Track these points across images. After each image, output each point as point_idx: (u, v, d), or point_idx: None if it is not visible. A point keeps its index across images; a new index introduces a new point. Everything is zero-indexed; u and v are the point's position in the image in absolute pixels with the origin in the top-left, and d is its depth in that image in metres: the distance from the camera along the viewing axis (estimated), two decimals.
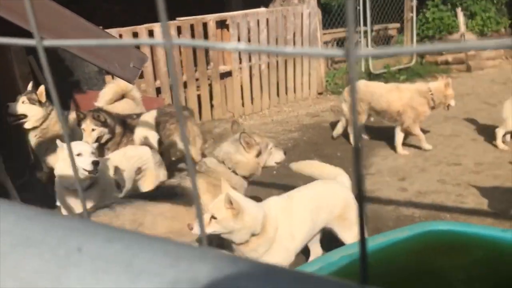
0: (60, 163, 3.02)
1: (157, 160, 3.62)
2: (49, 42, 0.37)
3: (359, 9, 8.01)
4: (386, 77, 8.67)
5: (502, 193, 4.04)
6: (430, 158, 5.05)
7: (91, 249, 0.39)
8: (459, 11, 9.53)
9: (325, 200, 2.95)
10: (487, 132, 5.63)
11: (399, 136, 5.26)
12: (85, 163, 2.95)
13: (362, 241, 0.34)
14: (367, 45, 8.56)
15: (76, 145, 3.02)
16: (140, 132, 3.71)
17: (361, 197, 0.35)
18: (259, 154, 3.09)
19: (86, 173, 2.98)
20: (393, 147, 5.36)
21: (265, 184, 4.66)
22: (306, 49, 0.28)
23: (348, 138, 5.68)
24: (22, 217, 0.45)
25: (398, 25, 9.51)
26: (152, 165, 3.54)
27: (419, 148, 5.31)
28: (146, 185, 3.55)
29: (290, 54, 0.28)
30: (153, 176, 3.55)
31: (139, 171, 3.47)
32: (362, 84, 5.41)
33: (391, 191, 4.32)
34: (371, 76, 8.52)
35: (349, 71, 0.29)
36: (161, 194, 2.78)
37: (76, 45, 0.35)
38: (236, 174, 3.04)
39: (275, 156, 3.22)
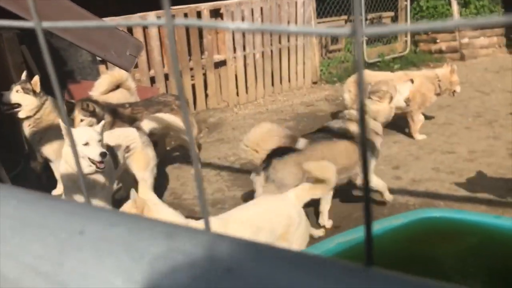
0: (67, 154, 2.88)
1: (144, 140, 3.63)
2: (48, 24, 0.36)
3: None
4: (380, 66, 8.67)
5: (495, 180, 4.08)
6: (424, 146, 5.07)
7: (93, 232, 0.40)
8: None
9: (266, 220, 2.65)
10: (481, 121, 5.66)
11: (416, 122, 5.29)
12: (93, 153, 2.78)
13: (368, 223, 0.34)
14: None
15: (82, 132, 2.86)
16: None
17: (366, 182, 0.36)
18: (391, 100, 3.61)
19: (94, 166, 2.80)
20: (387, 136, 5.38)
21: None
22: (310, 28, 0.28)
23: None
24: (23, 201, 0.45)
25: (392, 13, 9.49)
26: (139, 144, 3.56)
27: (412, 136, 5.33)
28: (136, 164, 3.59)
29: (294, 33, 0.28)
30: (141, 154, 3.58)
31: (127, 149, 3.49)
32: (369, 75, 5.34)
33: (386, 179, 4.34)
34: (365, 65, 8.51)
35: (355, 49, 0.30)
36: (338, 135, 3.42)
37: (74, 27, 0.35)
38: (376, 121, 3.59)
39: (402, 92, 3.82)
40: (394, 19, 9.52)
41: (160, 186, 4.48)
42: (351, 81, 5.50)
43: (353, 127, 3.46)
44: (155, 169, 3.79)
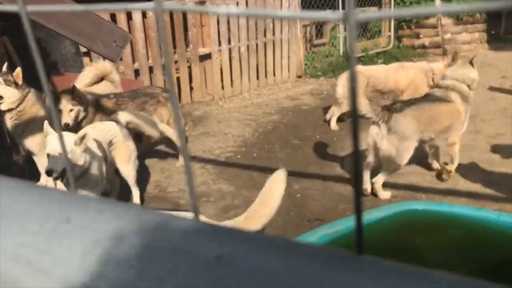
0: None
1: (125, 133, 3.61)
2: (33, 8, 0.36)
3: None
4: (364, 60, 8.73)
5: (476, 173, 4.14)
6: None
7: (80, 220, 0.39)
8: None
9: None
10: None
11: None
12: (44, 167, 2.77)
13: (358, 211, 0.34)
14: (345, 29, 8.57)
15: (54, 141, 2.76)
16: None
17: (356, 175, 0.36)
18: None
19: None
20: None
21: (246, 167, 4.69)
22: (301, 13, 0.28)
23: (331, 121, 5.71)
24: (8, 189, 0.44)
25: (376, 8, 9.54)
26: (121, 137, 3.54)
27: None
28: (118, 157, 3.57)
29: (284, 17, 0.28)
30: (124, 147, 3.57)
31: (110, 144, 3.47)
32: (363, 69, 5.38)
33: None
34: (349, 59, 8.55)
35: (348, 35, 0.30)
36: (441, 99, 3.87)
37: (60, 10, 0.34)
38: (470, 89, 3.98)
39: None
40: None
41: (144, 179, 4.46)
42: (343, 77, 5.47)
43: (454, 95, 3.91)
44: (136, 161, 3.78)
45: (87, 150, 2.92)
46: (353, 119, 0.33)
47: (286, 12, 0.29)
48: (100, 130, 3.41)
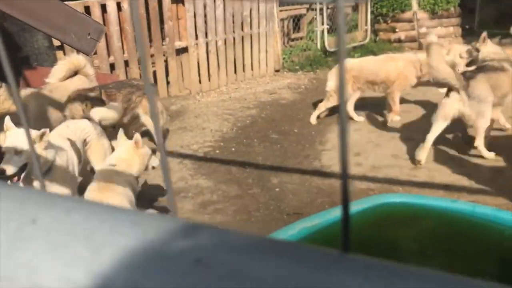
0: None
1: (98, 131, 3.54)
2: None
3: None
4: None
5: (451, 165, 4.21)
6: (383, 134, 5.18)
7: (47, 221, 0.36)
8: None
9: None
10: (435, 110, 5.81)
11: (397, 104, 5.45)
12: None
13: (345, 208, 0.34)
14: (322, 23, 8.60)
15: (12, 139, 2.69)
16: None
17: (344, 170, 0.35)
18: None
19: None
20: (348, 123, 5.46)
21: (224, 161, 4.67)
22: None
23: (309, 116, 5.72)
24: None
25: (353, 3, 9.60)
26: (95, 136, 3.47)
27: (373, 124, 5.45)
28: (94, 156, 3.50)
29: None
30: (98, 146, 3.49)
31: (84, 142, 3.40)
32: (355, 62, 5.47)
33: None
34: (326, 53, 8.59)
35: (338, 16, 0.29)
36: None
37: None
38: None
39: None
40: (355, 8, 9.64)
41: None
42: (334, 72, 5.46)
43: (506, 65, 4.34)
44: None
45: (49, 147, 2.84)
46: (341, 107, 0.31)
47: None
48: (74, 129, 3.33)
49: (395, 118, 5.43)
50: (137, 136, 3.08)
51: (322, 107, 5.53)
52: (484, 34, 5.19)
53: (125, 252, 0.33)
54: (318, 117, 5.61)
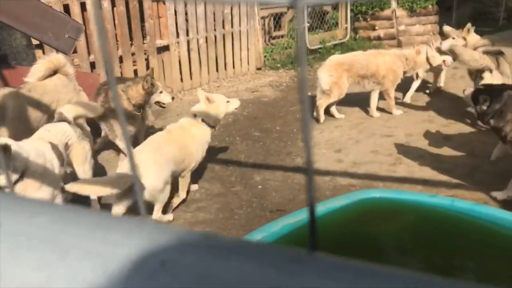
0: None
1: (78, 133, 3.49)
2: None
3: None
4: (322, 52, 8.83)
5: (430, 161, 4.29)
6: (363, 130, 5.25)
7: (12, 225, 0.36)
8: None
9: None
10: (416, 105, 5.92)
11: (375, 100, 5.63)
12: None
13: (311, 208, 0.33)
14: (303, 21, 8.64)
15: None
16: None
17: (310, 165, 0.36)
18: None
19: None
20: (329, 121, 5.52)
21: (207, 159, 4.67)
22: None
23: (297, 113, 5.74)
24: None
25: (333, 1, 9.66)
26: (75, 138, 3.42)
27: (354, 121, 5.51)
28: (76, 159, 3.46)
29: (234, 2, 0.28)
30: (80, 149, 3.45)
31: (66, 146, 3.35)
32: (346, 56, 5.60)
33: (328, 162, 4.47)
34: (308, 51, 8.63)
35: (297, 19, 0.30)
36: None
37: None
38: None
39: None
40: (335, 7, 9.70)
41: (101, 175, 4.36)
42: (330, 64, 5.45)
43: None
44: (92, 160, 3.68)
45: (20, 153, 2.76)
46: (303, 106, 0.33)
47: None
48: (55, 133, 3.25)
49: (397, 112, 5.63)
50: (200, 92, 4.03)
51: (324, 104, 5.49)
52: (469, 25, 5.56)
53: (91, 255, 0.32)
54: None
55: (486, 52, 5.04)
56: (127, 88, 4.21)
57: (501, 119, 3.45)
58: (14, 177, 2.66)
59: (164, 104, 4.43)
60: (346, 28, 9.62)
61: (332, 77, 5.35)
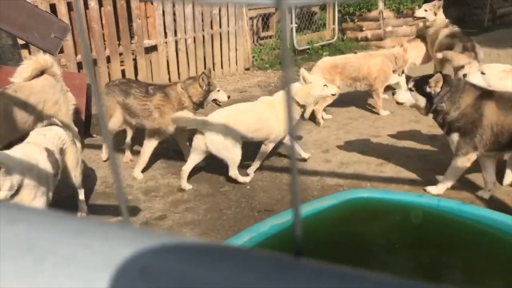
0: None
1: (71, 136, 3.45)
2: None
3: None
4: (310, 53, 8.86)
5: (416, 161, 4.33)
6: (351, 130, 5.28)
7: None
8: None
9: None
10: (403, 106, 5.95)
11: (378, 99, 5.71)
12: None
13: (296, 214, 0.33)
14: (291, 22, 8.66)
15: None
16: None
17: (293, 172, 0.35)
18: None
19: None
20: (316, 121, 5.54)
21: None
22: None
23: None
24: None
25: (321, 2, 9.69)
26: (69, 142, 3.38)
27: (341, 121, 5.54)
28: (70, 163, 3.42)
29: (216, 3, 0.28)
30: (73, 153, 3.40)
31: (61, 151, 3.30)
32: (338, 59, 5.64)
33: (316, 162, 4.48)
34: (296, 52, 8.66)
35: (281, 19, 0.30)
36: None
37: None
38: None
39: None
40: (323, 8, 9.74)
41: (90, 174, 4.33)
42: (324, 66, 5.44)
43: None
44: (82, 164, 3.64)
45: (15, 169, 2.72)
46: (288, 107, 0.33)
47: None
48: (51, 137, 3.16)
49: (384, 113, 5.68)
50: (301, 70, 4.22)
51: (320, 108, 5.46)
52: (438, 2, 6.03)
53: (69, 262, 0.32)
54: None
55: (463, 46, 5.68)
56: (187, 86, 4.28)
57: (451, 103, 3.54)
58: (10, 193, 2.64)
59: (220, 102, 4.49)
60: (334, 29, 9.66)
61: (326, 79, 5.31)
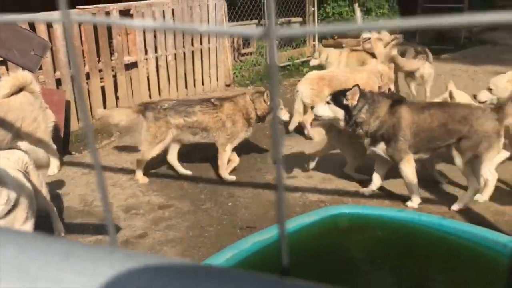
0: None
1: (32, 161, 3.33)
2: None
3: (263, 2, 8.15)
4: (291, 69, 8.95)
5: (397, 176, 4.36)
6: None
7: None
8: (356, 7, 10.11)
9: None
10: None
11: None
12: None
13: (282, 235, 0.34)
14: None
15: None
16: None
17: (280, 205, 0.35)
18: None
19: None
20: (298, 137, 5.56)
21: (176, 177, 4.62)
22: (223, 28, 0.28)
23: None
24: None
25: (300, 19, 9.82)
26: (32, 166, 3.27)
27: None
28: (34, 186, 3.29)
29: (205, 32, 0.28)
30: (36, 176, 3.27)
31: (26, 173, 3.19)
32: (325, 72, 5.73)
33: (298, 178, 4.49)
34: (270, 72, 8.73)
35: (269, 51, 0.30)
36: None
37: None
38: None
39: None
40: (302, 24, 9.87)
41: (69, 192, 4.26)
42: (312, 78, 5.46)
43: None
44: (46, 186, 3.50)
45: (13, 185, 2.66)
46: (274, 127, 0.33)
47: (205, 27, 0.29)
48: (15, 161, 3.05)
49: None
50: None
51: (309, 119, 5.31)
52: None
53: (59, 285, 0.32)
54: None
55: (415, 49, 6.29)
56: (255, 99, 4.48)
57: (370, 114, 3.76)
58: (7, 208, 2.58)
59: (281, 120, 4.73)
60: (314, 46, 9.78)
61: (313, 90, 5.32)
